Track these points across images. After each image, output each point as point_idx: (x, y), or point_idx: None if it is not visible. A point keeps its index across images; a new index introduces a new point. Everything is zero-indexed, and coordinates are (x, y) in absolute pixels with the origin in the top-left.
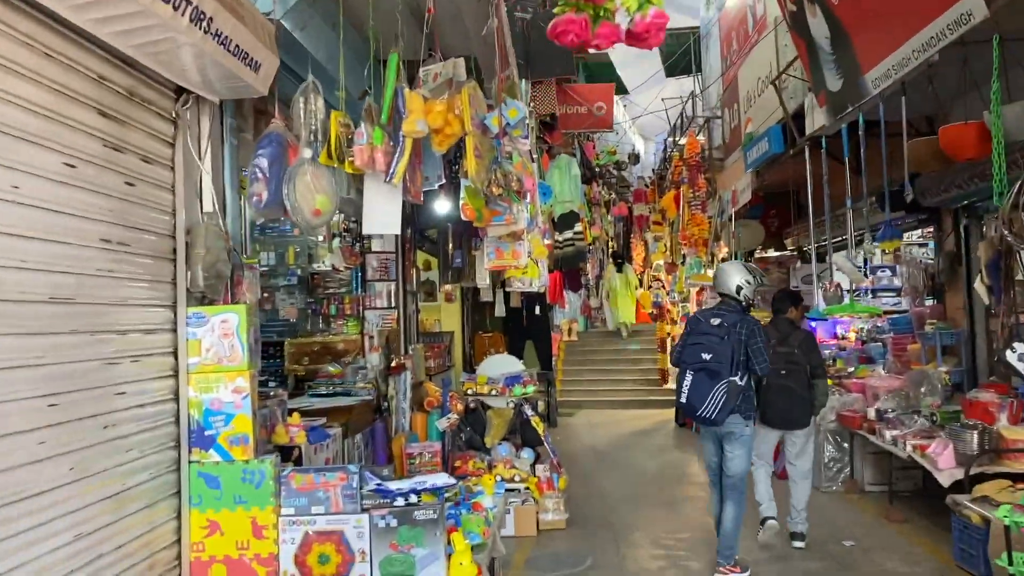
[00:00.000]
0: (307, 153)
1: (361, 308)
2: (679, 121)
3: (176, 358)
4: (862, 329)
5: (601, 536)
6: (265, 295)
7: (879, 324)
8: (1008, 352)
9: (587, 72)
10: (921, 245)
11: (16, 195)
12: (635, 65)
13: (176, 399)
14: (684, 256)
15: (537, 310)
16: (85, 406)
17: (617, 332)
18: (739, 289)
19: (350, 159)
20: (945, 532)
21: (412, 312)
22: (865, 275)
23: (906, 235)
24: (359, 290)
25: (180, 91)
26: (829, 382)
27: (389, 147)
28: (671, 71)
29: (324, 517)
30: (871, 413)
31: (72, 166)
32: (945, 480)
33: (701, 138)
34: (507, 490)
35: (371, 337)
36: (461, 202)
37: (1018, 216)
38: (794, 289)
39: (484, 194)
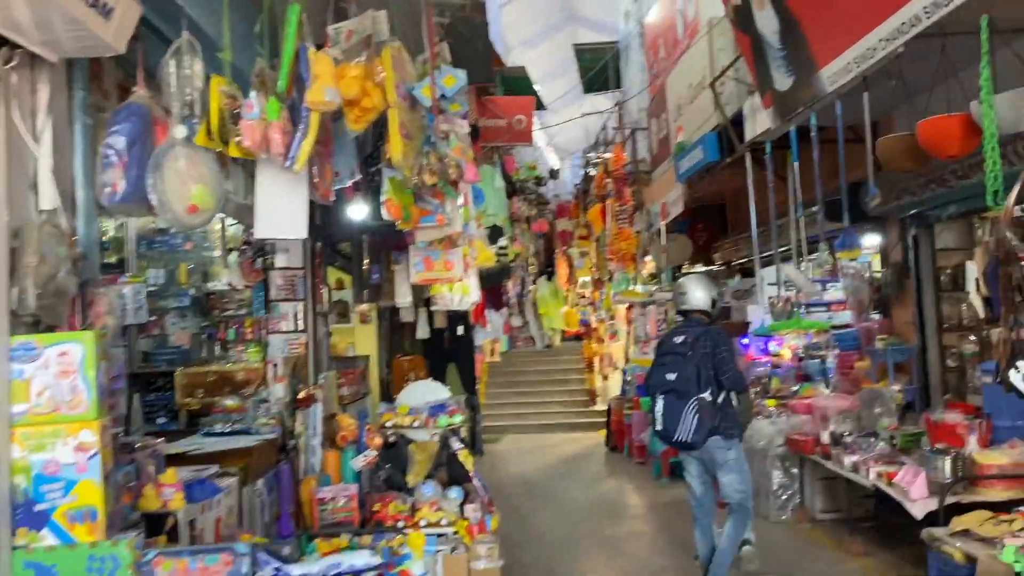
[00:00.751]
0: (180, 132)
1: (264, 332)
2: (601, 135)
3: None
4: (799, 346)
5: None
6: (153, 318)
7: (815, 340)
8: (1012, 372)
9: (505, 85)
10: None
11: None
12: (550, 83)
13: None
14: (611, 272)
15: (460, 330)
16: None
17: (544, 350)
18: (714, 303)
19: (237, 139)
20: (915, 568)
21: (323, 336)
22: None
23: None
24: (262, 312)
25: (2, 43)
26: (772, 403)
27: (288, 124)
28: (589, 87)
29: None
30: (825, 437)
31: None
32: (918, 511)
33: (626, 153)
34: (436, 535)
35: (275, 365)
36: (384, 197)
37: None
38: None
39: (414, 185)
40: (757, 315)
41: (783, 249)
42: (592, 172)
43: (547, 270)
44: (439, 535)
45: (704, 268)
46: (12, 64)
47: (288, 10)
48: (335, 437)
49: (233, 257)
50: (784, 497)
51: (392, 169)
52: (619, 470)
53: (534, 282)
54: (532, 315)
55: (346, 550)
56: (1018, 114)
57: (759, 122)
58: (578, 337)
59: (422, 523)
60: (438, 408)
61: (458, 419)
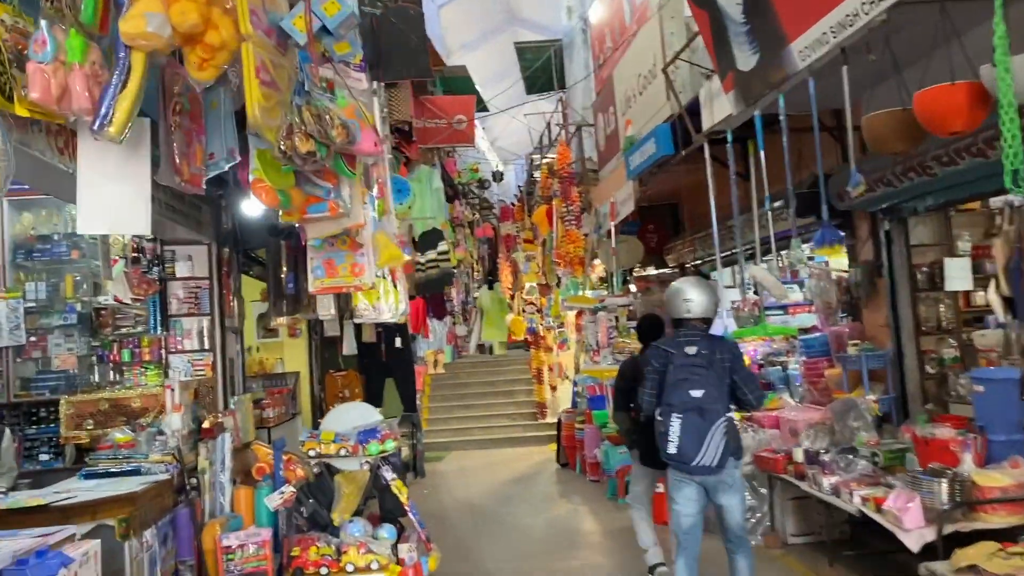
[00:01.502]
0: None
1: (164, 352)
2: (545, 133)
3: None
4: (756, 351)
5: None
6: (33, 339)
7: (775, 347)
8: None
9: (445, 85)
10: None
11: None
12: (493, 85)
13: None
14: (559, 277)
15: (398, 342)
16: None
17: (490, 358)
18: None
19: (23, 90)
20: None
21: (236, 354)
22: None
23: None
24: (160, 329)
25: None
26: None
27: (100, 70)
28: (532, 87)
29: None
30: (798, 455)
31: None
32: (914, 543)
33: (571, 151)
34: None
35: (172, 390)
36: (251, 176)
37: None
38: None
39: (283, 155)
40: (717, 320)
41: (746, 248)
42: (537, 175)
43: (489, 279)
44: None
45: (656, 271)
46: None
47: None
48: (251, 470)
49: (119, 267)
50: (752, 520)
51: (260, 139)
52: (572, 490)
53: (468, 293)
54: (478, 323)
55: None
56: None
57: (717, 109)
58: (526, 345)
59: (348, 568)
60: (368, 434)
61: (391, 445)
